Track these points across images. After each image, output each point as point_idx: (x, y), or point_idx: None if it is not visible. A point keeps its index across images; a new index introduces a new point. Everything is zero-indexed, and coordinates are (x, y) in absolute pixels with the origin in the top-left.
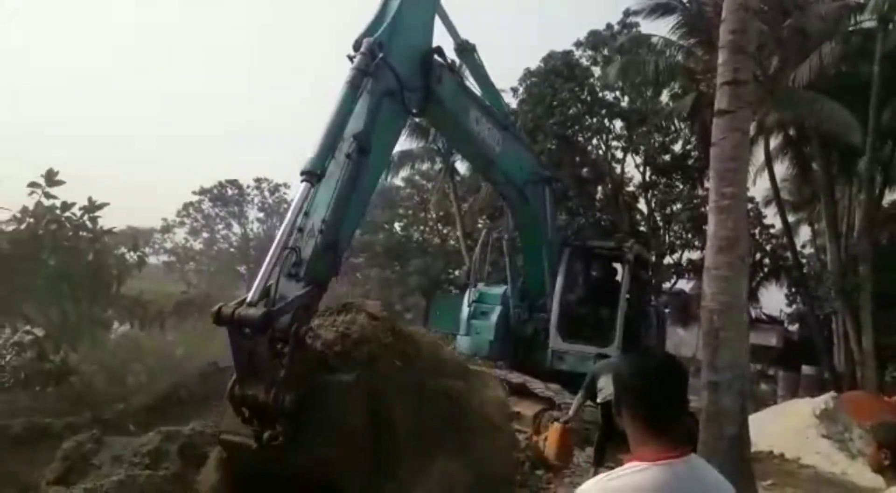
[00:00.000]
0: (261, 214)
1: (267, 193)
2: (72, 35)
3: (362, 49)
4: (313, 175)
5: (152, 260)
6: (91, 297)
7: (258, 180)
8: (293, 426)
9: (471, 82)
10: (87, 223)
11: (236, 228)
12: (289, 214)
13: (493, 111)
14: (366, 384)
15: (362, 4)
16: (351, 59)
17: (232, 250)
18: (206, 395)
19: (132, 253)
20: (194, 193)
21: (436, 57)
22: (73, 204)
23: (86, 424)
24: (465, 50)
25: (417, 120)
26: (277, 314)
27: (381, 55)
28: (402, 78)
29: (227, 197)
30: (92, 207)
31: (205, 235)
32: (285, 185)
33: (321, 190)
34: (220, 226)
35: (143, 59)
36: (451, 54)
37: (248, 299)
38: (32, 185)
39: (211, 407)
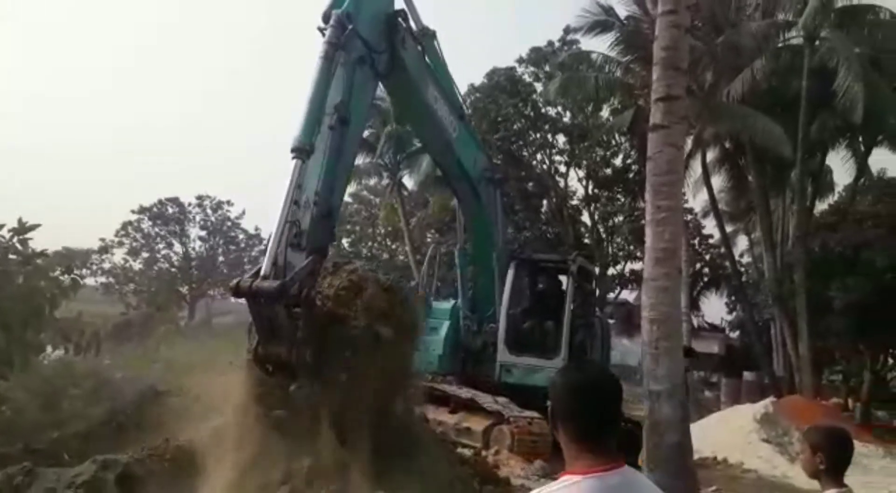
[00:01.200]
0: (203, 233)
1: (209, 211)
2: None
3: (332, 22)
4: (303, 151)
5: (90, 281)
6: (22, 322)
7: (200, 198)
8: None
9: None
10: (17, 246)
11: (178, 248)
12: (286, 191)
13: (451, 96)
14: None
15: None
16: (322, 31)
17: (173, 269)
18: (144, 420)
19: (67, 275)
20: (133, 211)
21: (400, 20)
22: (2, 225)
23: (17, 455)
24: (426, 35)
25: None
26: (290, 284)
27: (350, 27)
28: (371, 42)
29: (167, 215)
30: (22, 229)
31: (144, 254)
32: (228, 202)
33: (310, 164)
34: (161, 245)
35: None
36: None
37: (262, 273)
38: None
39: (150, 433)
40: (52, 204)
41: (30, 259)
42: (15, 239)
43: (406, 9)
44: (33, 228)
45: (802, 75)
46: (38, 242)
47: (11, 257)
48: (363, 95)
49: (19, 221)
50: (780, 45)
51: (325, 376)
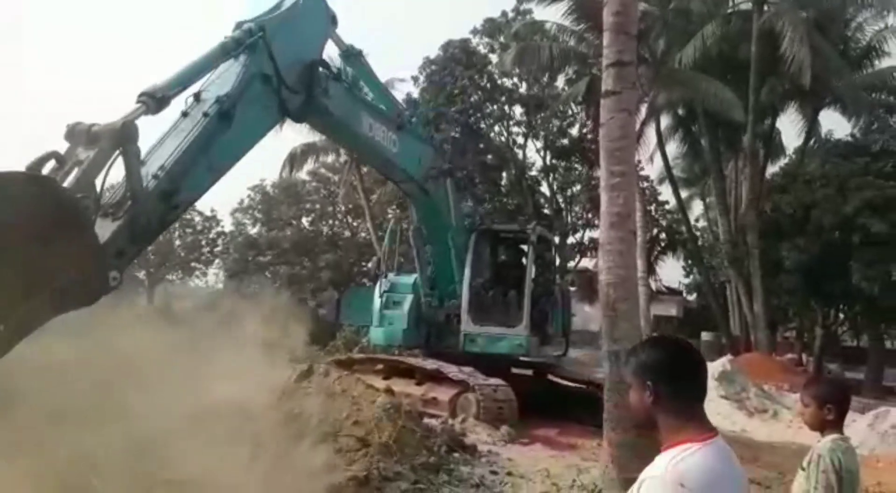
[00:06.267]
0: None
1: None
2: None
3: (243, 27)
4: (153, 99)
5: None
6: None
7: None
8: None
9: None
10: None
11: None
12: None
13: (386, 113)
14: None
15: None
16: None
17: None
18: None
19: None
20: None
21: (321, 69)
22: None
23: None
24: (352, 55)
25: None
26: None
27: (259, 34)
28: (282, 71)
29: None
30: None
31: None
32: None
33: (167, 142)
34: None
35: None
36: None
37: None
38: None
39: None
40: None
41: None
42: None
43: (330, 38)
44: None
45: (752, 40)
46: None
47: None
48: (255, 114)
49: None
50: (729, 10)
51: None
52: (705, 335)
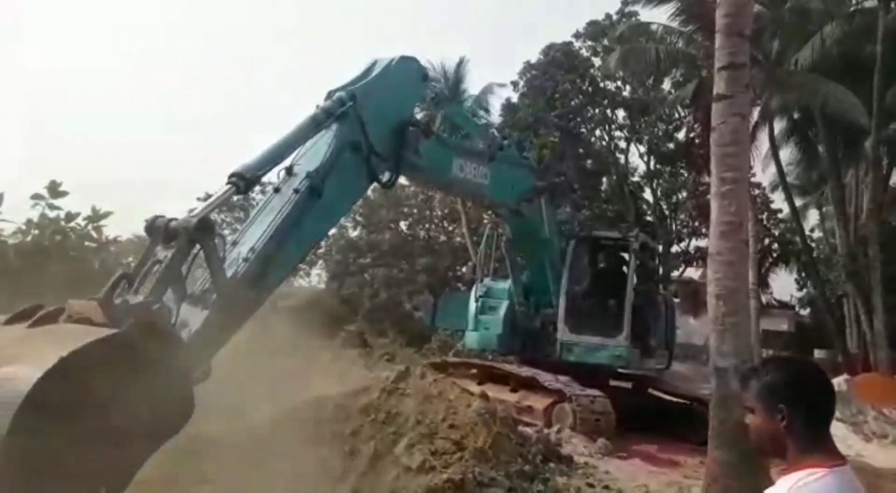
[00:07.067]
0: None
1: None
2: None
3: (334, 97)
4: (242, 179)
5: None
6: None
7: (263, 185)
8: None
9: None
10: (92, 233)
11: None
12: (196, 212)
13: (477, 149)
14: None
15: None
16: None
17: None
18: None
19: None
20: (199, 199)
21: (410, 129)
22: (78, 214)
23: None
24: (443, 101)
25: None
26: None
27: (350, 104)
28: (372, 140)
29: (232, 203)
30: (96, 217)
31: None
32: None
33: (257, 222)
34: (227, 232)
35: (149, 56)
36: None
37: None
38: (36, 197)
39: None
40: (122, 190)
41: (104, 246)
42: (90, 226)
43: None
44: (106, 215)
45: (876, 40)
46: (110, 230)
47: (87, 243)
48: (346, 184)
49: (93, 209)
50: (851, 9)
51: None
52: (819, 353)
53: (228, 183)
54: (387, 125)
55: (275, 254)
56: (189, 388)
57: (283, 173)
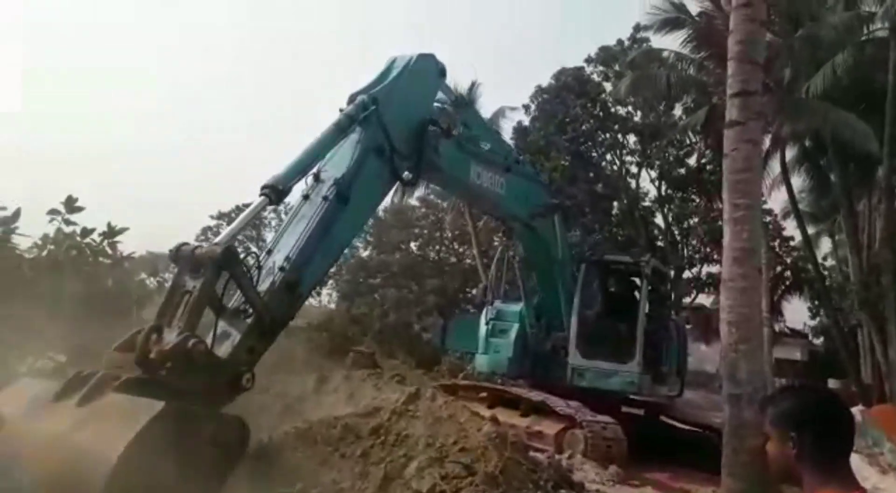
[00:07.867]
0: None
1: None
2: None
3: (356, 101)
4: (274, 191)
5: None
6: (111, 322)
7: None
8: None
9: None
10: (107, 249)
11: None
12: (234, 225)
13: (494, 158)
14: None
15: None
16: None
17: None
18: None
19: (151, 278)
20: (212, 217)
21: (431, 127)
22: (93, 230)
23: None
24: (461, 105)
25: None
26: (228, 365)
27: (373, 108)
28: (394, 141)
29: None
30: (111, 233)
31: None
32: None
33: (290, 230)
34: (239, 250)
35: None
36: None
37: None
38: (52, 212)
39: None
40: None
41: (118, 262)
42: (105, 242)
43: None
44: (121, 231)
45: (888, 69)
46: (125, 246)
47: (102, 259)
48: (371, 187)
49: (108, 225)
50: (864, 38)
51: None
52: (832, 383)
53: (261, 194)
54: (408, 125)
55: (308, 262)
56: (239, 417)
57: (310, 179)
